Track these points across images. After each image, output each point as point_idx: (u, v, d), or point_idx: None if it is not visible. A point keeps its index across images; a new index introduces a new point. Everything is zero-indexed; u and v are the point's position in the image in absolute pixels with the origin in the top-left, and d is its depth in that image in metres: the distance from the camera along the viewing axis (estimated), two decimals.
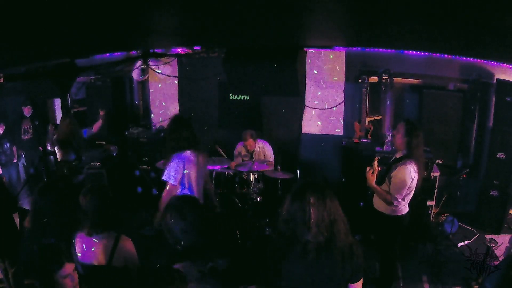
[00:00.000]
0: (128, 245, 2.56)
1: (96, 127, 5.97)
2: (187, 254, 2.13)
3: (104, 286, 2.59)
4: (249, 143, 5.60)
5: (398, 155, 3.70)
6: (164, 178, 3.55)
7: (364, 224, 4.21)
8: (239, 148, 5.86)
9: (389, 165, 3.74)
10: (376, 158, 3.76)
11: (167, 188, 3.53)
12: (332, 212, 2.07)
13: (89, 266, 2.53)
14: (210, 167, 5.50)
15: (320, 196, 2.07)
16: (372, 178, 3.60)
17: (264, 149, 5.76)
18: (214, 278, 2.07)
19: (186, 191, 3.60)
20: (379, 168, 3.66)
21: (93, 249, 2.52)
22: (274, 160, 5.79)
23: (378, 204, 3.76)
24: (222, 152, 5.79)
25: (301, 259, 2.07)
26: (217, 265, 2.11)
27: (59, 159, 5.20)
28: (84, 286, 2.60)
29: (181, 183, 3.58)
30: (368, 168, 3.65)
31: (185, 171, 3.55)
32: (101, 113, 5.98)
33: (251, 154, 5.74)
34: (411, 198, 3.64)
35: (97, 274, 2.54)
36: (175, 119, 3.75)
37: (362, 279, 2.16)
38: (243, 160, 5.81)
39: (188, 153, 3.59)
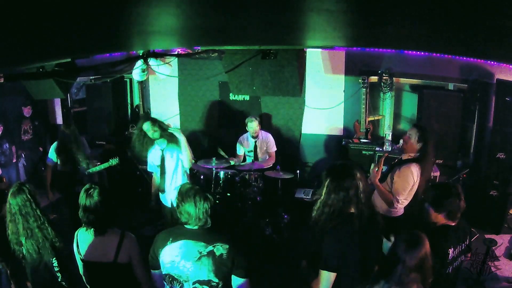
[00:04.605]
0: (132, 241, 2.59)
1: None
2: (192, 234, 2.33)
3: (109, 283, 2.60)
4: (253, 125, 5.60)
5: (404, 157, 3.67)
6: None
7: None
8: (242, 138, 5.88)
9: (392, 166, 3.72)
10: (385, 154, 3.78)
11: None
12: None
13: (94, 264, 2.54)
14: (210, 167, 5.51)
15: (362, 171, 2.37)
16: (376, 175, 3.59)
17: (267, 139, 5.78)
18: (209, 261, 2.25)
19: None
20: (382, 167, 3.66)
21: (98, 247, 2.53)
22: (275, 152, 5.80)
23: (375, 203, 3.75)
24: (224, 154, 5.81)
25: (351, 233, 2.29)
26: (216, 250, 2.27)
27: (58, 169, 5.04)
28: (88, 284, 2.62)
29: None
30: (373, 165, 3.66)
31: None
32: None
33: (254, 143, 5.75)
34: (411, 199, 3.64)
35: (103, 271, 2.54)
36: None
37: None
38: (247, 151, 5.82)
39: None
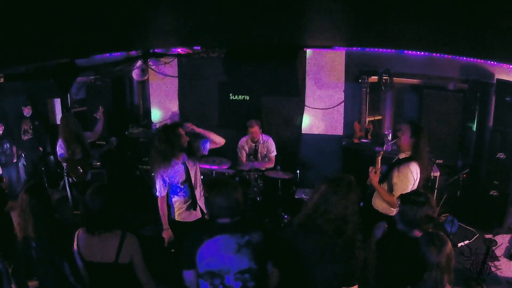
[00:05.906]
0: (133, 242, 2.58)
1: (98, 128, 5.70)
2: (226, 228, 2.37)
3: (110, 283, 2.59)
4: (254, 130, 5.54)
5: (401, 156, 3.64)
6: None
7: (365, 224, 4.19)
8: (243, 142, 5.85)
9: (390, 166, 3.71)
10: (381, 152, 3.75)
11: None
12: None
13: (95, 264, 2.53)
14: (210, 167, 5.51)
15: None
16: (375, 178, 3.56)
17: (268, 143, 5.75)
18: (249, 250, 2.32)
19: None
20: (380, 168, 3.64)
21: (98, 247, 2.52)
22: (275, 156, 5.79)
23: (377, 203, 3.74)
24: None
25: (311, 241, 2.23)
26: (252, 238, 2.35)
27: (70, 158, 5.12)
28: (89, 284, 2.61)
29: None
30: (370, 168, 3.62)
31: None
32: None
33: (255, 147, 5.74)
34: None
35: (105, 272, 2.54)
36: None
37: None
38: (247, 155, 5.82)
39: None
